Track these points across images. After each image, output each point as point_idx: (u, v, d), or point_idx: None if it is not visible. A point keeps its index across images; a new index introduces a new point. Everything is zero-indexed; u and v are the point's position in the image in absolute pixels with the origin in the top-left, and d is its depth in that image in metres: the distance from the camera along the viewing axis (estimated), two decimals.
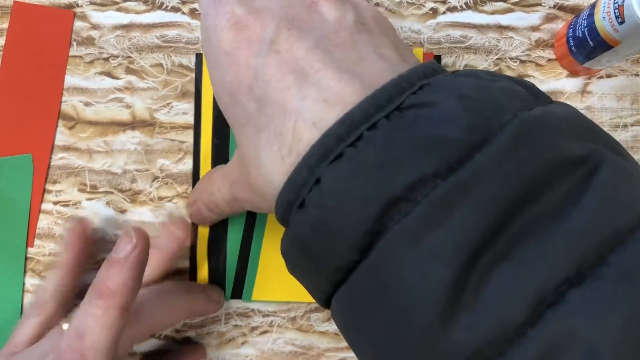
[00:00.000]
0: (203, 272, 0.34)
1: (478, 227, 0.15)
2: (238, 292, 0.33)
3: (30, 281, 0.33)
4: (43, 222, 0.34)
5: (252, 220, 0.34)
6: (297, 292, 0.33)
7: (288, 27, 0.19)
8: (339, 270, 0.18)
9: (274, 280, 0.33)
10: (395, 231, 0.16)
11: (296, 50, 0.19)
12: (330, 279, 0.18)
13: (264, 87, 0.19)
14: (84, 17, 0.35)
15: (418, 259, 0.15)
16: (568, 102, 0.35)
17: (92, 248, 0.33)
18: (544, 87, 0.35)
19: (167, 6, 0.35)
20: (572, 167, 0.16)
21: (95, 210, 0.34)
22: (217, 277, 0.33)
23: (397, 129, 0.17)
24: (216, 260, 0.34)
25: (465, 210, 0.15)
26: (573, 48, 0.33)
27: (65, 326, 0.27)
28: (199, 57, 0.35)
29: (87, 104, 0.34)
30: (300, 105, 0.18)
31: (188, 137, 0.34)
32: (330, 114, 0.18)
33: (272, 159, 0.19)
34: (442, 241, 0.15)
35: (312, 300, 0.33)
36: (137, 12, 0.35)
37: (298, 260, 0.19)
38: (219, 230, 0.34)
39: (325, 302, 0.19)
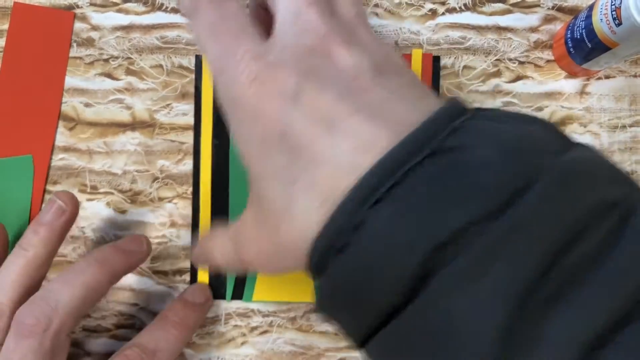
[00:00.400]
0: (204, 273, 0.34)
1: (525, 273, 0.15)
2: (239, 293, 0.34)
3: None
4: None
5: None
6: (297, 293, 0.34)
7: (309, 79, 0.20)
8: (381, 314, 0.18)
9: (275, 281, 0.34)
10: (442, 276, 0.16)
11: (321, 101, 0.19)
12: (371, 322, 0.18)
13: (294, 140, 0.19)
14: (84, 18, 0.35)
15: (466, 305, 0.16)
16: (567, 103, 0.35)
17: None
18: (543, 88, 0.35)
19: (166, 7, 0.35)
20: (609, 210, 0.16)
21: (96, 211, 0.34)
22: (218, 277, 0.34)
23: (435, 174, 0.17)
24: None
25: (511, 257, 0.16)
26: (571, 49, 0.33)
27: None
28: (198, 58, 0.35)
29: (87, 105, 0.35)
30: (333, 154, 0.19)
31: (188, 138, 0.34)
32: (364, 161, 0.18)
33: (305, 210, 0.19)
34: (491, 288, 0.15)
35: (312, 300, 0.34)
36: (137, 14, 0.35)
37: (336, 303, 0.19)
38: None
39: (361, 343, 0.19)
